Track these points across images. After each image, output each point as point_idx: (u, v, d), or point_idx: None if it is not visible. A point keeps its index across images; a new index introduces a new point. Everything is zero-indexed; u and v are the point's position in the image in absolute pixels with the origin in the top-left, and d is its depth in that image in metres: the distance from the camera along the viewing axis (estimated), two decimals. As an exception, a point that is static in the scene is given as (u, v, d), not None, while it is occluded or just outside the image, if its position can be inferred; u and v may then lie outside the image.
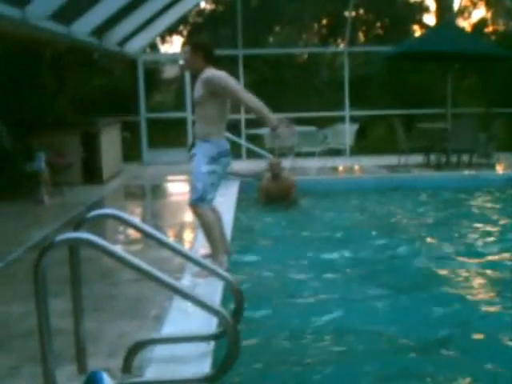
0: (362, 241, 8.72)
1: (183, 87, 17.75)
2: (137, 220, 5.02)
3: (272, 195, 11.51)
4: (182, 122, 17.57)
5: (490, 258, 7.75)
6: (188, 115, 17.43)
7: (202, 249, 7.18)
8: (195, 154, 6.59)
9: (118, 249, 3.67)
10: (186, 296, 3.85)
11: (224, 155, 6.64)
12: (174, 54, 20.43)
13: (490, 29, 23.53)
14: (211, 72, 6.53)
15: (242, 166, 14.65)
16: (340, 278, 7.11)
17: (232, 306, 4.74)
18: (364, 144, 18.66)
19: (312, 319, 5.82)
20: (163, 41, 20.68)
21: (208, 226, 6.60)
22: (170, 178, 14.92)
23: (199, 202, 6.51)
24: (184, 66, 7.15)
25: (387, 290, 6.64)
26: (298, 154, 15.36)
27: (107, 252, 3.57)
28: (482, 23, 23.60)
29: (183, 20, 21.03)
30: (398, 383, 4.68)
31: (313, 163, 14.97)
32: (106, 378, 3.72)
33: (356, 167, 15.77)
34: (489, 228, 9.42)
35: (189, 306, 3.95)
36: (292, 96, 20.14)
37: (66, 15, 11.53)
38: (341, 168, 15.66)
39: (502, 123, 16.36)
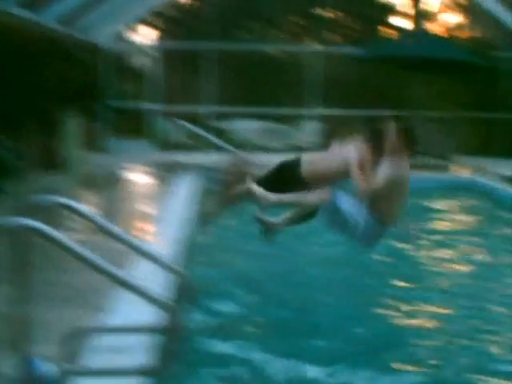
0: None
1: (150, 78, 17.70)
2: (86, 208, 4.96)
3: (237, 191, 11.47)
4: (148, 112, 17.52)
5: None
6: (154, 106, 17.40)
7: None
8: None
9: (61, 236, 3.64)
10: (130, 287, 3.84)
11: None
12: (144, 45, 20.33)
13: (466, 34, 23.61)
14: None
15: (204, 158, 14.64)
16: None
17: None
18: (329, 142, 18.68)
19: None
20: (134, 31, 20.53)
21: None
22: (132, 167, 14.85)
23: None
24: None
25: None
26: (263, 150, 15.36)
27: (50, 238, 3.53)
28: (458, 29, 23.67)
29: (157, 12, 20.94)
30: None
31: (276, 159, 14.92)
32: (45, 365, 3.69)
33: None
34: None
35: (138, 297, 3.93)
36: (264, 92, 20.13)
37: (33, 2, 11.44)
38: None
39: (470, 127, 16.49)
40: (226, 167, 12.34)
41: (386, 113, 18.22)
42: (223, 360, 5.01)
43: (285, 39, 23.33)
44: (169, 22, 22.67)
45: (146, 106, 17.83)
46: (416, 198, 12.14)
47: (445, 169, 15.01)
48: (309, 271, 7.44)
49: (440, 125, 16.28)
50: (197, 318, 5.19)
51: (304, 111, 18.21)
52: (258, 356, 5.06)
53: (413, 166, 14.81)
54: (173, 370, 4.04)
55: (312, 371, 4.87)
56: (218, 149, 13.80)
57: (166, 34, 21.57)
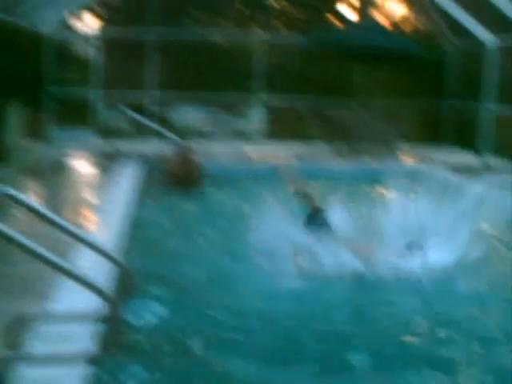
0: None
1: (92, 65, 17.62)
2: (31, 199, 4.95)
3: (178, 178, 11.52)
4: (91, 101, 17.41)
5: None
6: (98, 94, 17.31)
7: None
8: None
9: (2, 225, 3.66)
10: (72, 276, 3.87)
11: None
12: (87, 33, 20.17)
13: (411, 25, 23.81)
14: None
15: (147, 146, 14.64)
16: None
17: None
18: (273, 130, 18.80)
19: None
20: (77, 19, 20.33)
21: None
22: (76, 156, 14.77)
23: None
24: None
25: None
26: (206, 138, 15.40)
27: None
28: (403, 20, 23.87)
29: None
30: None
31: (220, 147, 15.01)
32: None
33: (264, 153, 15.90)
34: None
35: (80, 286, 3.97)
36: (206, 80, 20.11)
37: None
38: (249, 153, 15.78)
39: (411, 115, 16.71)
40: (169, 155, 12.37)
41: (333, 101, 18.42)
42: (162, 349, 5.08)
43: (231, 28, 23.32)
44: (113, 10, 22.48)
45: (90, 94, 17.70)
46: (361, 185, 12.33)
47: (391, 157, 15.21)
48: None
49: (386, 113, 16.49)
50: (136, 307, 5.21)
51: (249, 99, 18.27)
52: (195, 346, 5.14)
53: (358, 154, 15.10)
54: (114, 358, 4.09)
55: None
56: (162, 137, 13.85)
57: (110, 21, 21.37)
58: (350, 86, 18.03)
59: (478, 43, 16.56)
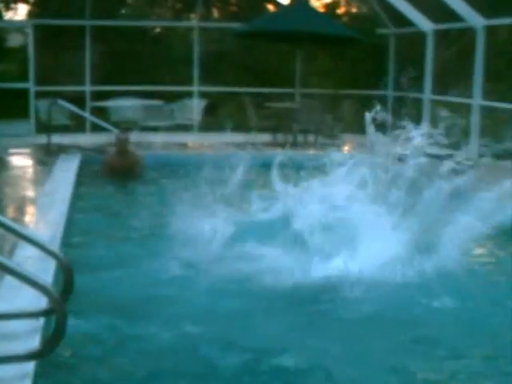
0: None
1: (27, 57, 17.28)
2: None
3: (117, 170, 11.39)
4: (24, 93, 17.06)
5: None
6: (30, 86, 16.96)
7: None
8: None
9: None
10: (11, 272, 3.75)
11: None
12: (19, 22, 19.77)
13: (342, 10, 23.91)
14: None
15: (86, 139, 14.43)
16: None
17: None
18: (213, 121, 18.72)
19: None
20: (7, 8, 19.92)
21: None
22: (11, 150, 14.47)
23: None
24: None
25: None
26: (144, 129, 15.27)
27: None
28: (334, 4, 23.96)
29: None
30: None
31: (159, 138, 14.88)
32: None
33: (203, 144, 15.81)
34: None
35: (20, 282, 3.86)
36: (143, 70, 19.94)
37: None
38: (188, 144, 15.69)
39: (350, 105, 16.75)
40: (108, 147, 12.22)
41: (274, 90, 18.40)
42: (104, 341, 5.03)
43: (167, 16, 23.18)
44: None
45: (24, 86, 17.31)
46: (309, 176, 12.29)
47: (334, 147, 15.20)
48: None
49: (327, 103, 16.51)
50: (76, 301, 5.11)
51: (187, 88, 18.12)
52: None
53: (300, 145, 15.06)
54: (57, 353, 4.01)
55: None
56: (101, 129, 13.67)
57: (44, 10, 20.94)
58: (291, 75, 17.99)
59: (417, 30, 16.60)
